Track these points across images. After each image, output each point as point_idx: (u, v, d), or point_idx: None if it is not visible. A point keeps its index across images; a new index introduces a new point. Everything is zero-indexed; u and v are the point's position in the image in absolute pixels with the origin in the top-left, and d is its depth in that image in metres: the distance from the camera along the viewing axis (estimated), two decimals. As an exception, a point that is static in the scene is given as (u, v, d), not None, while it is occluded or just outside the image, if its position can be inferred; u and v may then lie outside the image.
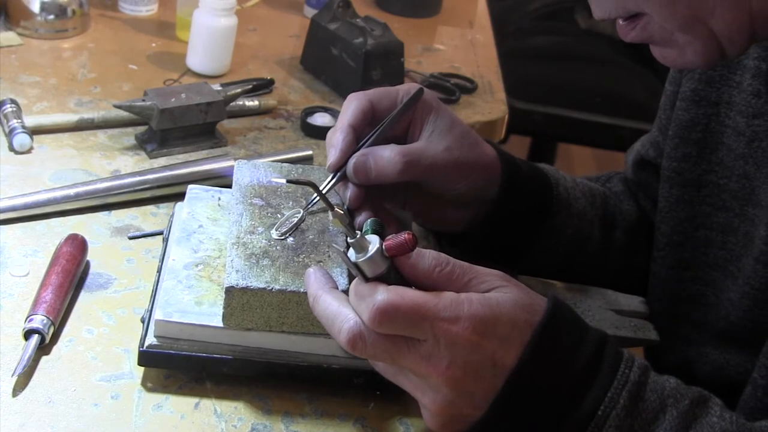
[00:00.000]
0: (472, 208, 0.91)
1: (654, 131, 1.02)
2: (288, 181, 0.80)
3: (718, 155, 0.90)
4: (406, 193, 0.90)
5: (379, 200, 0.86)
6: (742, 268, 0.89)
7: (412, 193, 0.90)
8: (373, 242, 0.69)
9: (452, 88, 1.38)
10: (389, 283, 0.68)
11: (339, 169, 0.85)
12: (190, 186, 0.94)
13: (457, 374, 0.66)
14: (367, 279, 0.68)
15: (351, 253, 0.69)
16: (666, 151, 0.94)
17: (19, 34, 1.34)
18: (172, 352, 0.80)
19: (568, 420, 0.67)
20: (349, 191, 0.84)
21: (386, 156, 0.83)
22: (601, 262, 1.00)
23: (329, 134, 0.86)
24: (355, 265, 0.68)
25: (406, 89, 0.87)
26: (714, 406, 0.68)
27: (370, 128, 0.86)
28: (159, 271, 0.87)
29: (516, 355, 0.66)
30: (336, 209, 0.72)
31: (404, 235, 0.68)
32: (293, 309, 0.78)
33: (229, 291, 0.77)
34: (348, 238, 0.69)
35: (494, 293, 0.68)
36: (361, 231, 0.70)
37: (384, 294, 0.66)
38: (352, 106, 0.85)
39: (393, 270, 0.69)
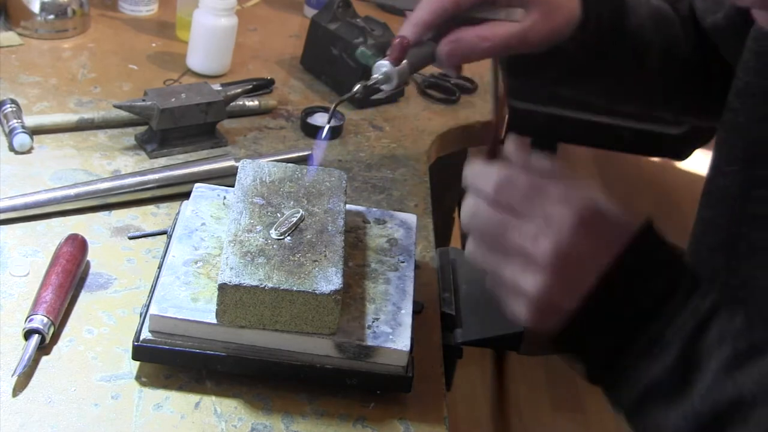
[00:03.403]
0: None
1: None
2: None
3: None
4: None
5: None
6: None
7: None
8: (383, 65, 0.87)
9: (452, 88, 1.38)
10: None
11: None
12: (197, 184, 0.95)
13: (561, 256, 0.67)
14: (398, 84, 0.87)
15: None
16: (750, 65, 0.95)
17: (19, 34, 1.34)
18: (166, 347, 0.80)
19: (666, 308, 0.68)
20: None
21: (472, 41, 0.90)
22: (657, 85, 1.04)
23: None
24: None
25: None
26: None
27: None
28: (160, 267, 0.88)
29: (614, 253, 0.68)
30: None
31: (395, 40, 0.86)
32: (286, 307, 0.78)
33: (223, 288, 0.77)
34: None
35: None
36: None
37: (508, 168, 0.70)
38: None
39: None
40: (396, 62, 0.88)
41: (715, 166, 0.97)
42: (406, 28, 0.90)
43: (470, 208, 0.71)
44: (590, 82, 1.04)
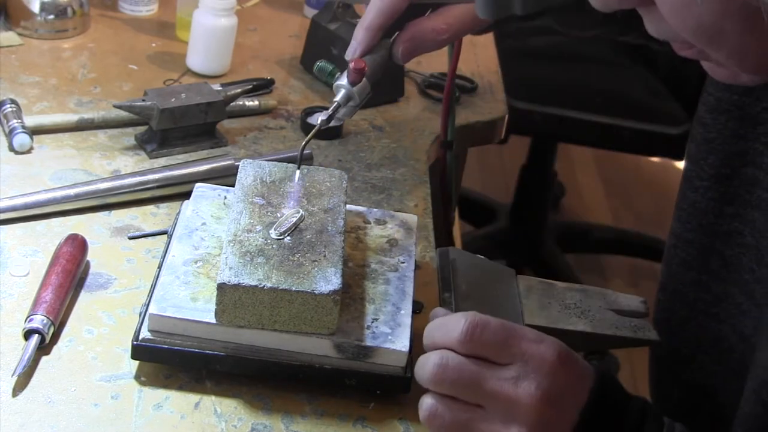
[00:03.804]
0: None
1: None
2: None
3: None
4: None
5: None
6: None
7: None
8: (342, 85, 0.85)
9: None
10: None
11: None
12: (198, 184, 0.95)
13: (545, 399, 0.67)
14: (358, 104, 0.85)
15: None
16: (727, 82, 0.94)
17: (19, 34, 1.34)
18: (165, 347, 0.80)
19: None
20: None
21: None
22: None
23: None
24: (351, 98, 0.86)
25: None
26: None
27: None
28: (160, 267, 0.88)
29: (588, 388, 0.69)
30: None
31: (350, 65, 0.83)
32: (285, 307, 0.78)
33: (222, 287, 0.77)
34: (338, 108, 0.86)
35: None
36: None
37: (473, 313, 0.69)
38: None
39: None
40: (354, 84, 0.87)
41: (686, 180, 0.96)
42: (360, 34, 0.87)
43: (436, 360, 0.69)
44: (535, 18, 1.02)
